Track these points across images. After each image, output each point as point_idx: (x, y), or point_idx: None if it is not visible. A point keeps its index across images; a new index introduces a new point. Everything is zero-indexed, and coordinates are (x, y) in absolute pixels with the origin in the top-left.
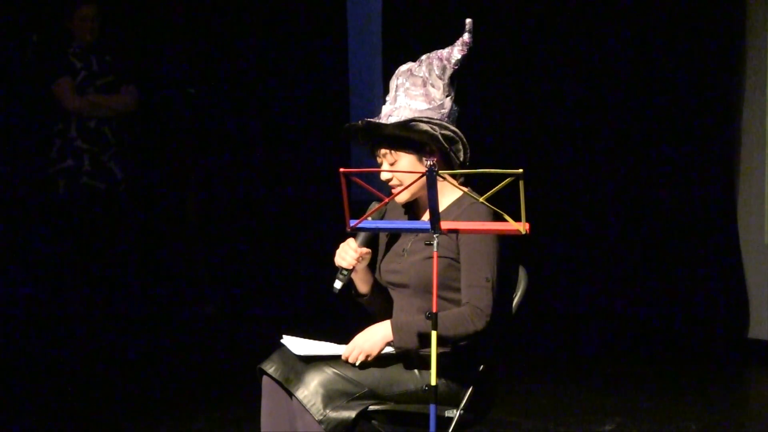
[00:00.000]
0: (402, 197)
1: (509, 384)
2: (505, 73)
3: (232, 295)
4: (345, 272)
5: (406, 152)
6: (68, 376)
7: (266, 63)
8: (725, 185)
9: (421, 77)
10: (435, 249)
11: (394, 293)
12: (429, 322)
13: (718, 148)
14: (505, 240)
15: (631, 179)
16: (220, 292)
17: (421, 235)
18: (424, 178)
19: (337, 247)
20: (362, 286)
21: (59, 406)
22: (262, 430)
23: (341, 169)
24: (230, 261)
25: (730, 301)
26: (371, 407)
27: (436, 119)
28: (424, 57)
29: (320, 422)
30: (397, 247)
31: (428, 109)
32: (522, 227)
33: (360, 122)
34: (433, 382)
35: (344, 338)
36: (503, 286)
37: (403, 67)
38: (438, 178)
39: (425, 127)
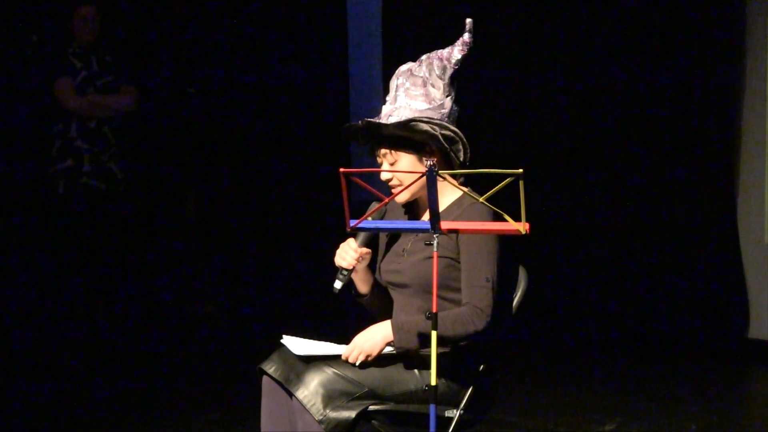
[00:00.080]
0: (402, 197)
1: (509, 384)
2: (505, 73)
3: (232, 295)
4: (345, 272)
5: (406, 152)
6: (68, 375)
7: (266, 63)
8: (725, 185)
9: (422, 77)
10: (435, 249)
11: (394, 293)
12: (429, 322)
13: (718, 148)
14: (505, 240)
15: (631, 179)
16: (220, 292)
17: (421, 235)
18: (424, 178)
19: (337, 247)
20: (362, 286)
21: (59, 406)
22: (262, 430)
23: (341, 169)
24: (230, 261)
25: (730, 301)
26: (371, 407)
27: (437, 119)
28: (424, 57)
29: (320, 422)
30: (397, 247)
31: (428, 109)
32: (522, 227)
33: (360, 122)
34: (433, 382)
35: (344, 338)
36: (503, 286)
37: (404, 67)
38: (438, 178)
39: (425, 127)
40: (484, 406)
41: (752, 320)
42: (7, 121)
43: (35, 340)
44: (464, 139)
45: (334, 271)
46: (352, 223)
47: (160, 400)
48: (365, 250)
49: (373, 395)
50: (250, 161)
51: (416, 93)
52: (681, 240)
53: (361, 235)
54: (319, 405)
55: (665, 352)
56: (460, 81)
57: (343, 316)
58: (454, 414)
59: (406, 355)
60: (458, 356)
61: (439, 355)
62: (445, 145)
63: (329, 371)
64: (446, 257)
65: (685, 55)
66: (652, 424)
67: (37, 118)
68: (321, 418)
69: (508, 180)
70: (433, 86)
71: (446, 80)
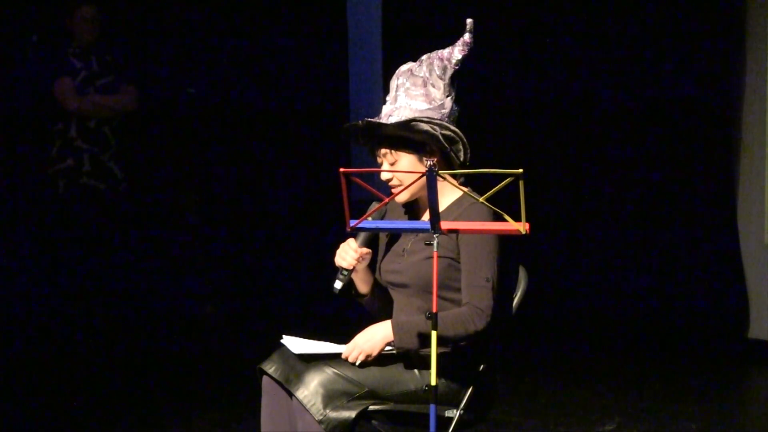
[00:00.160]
0: (402, 197)
1: (509, 384)
2: (505, 73)
3: (232, 295)
4: (345, 272)
5: (406, 152)
6: (68, 375)
7: (266, 63)
8: (725, 185)
9: (422, 77)
10: (435, 249)
11: (394, 293)
12: (429, 322)
13: (718, 148)
14: (505, 240)
15: (631, 179)
16: (220, 292)
17: (421, 235)
18: (424, 178)
19: (337, 247)
20: (362, 286)
21: (59, 406)
22: (262, 430)
23: (341, 169)
24: (230, 261)
25: (730, 301)
26: (371, 407)
27: (437, 119)
28: (424, 57)
29: (320, 422)
30: (397, 247)
31: (429, 109)
32: (522, 227)
33: (360, 122)
34: (433, 382)
35: (344, 338)
36: (503, 286)
37: (404, 67)
38: (438, 178)
39: (425, 127)
40: (484, 406)
41: (752, 320)
42: (7, 121)
43: (35, 339)
44: (464, 139)
45: (334, 271)
46: (352, 223)
47: (160, 400)
48: (365, 250)
49: (373, 395)
50: (250, 161)
51: (416, 93)
52: (681, 240)
53: (361, 235)
54: (319, 405)
55: (665, 352)
56: (460, 81)
57: (343, 316)
58: (454, 414)
59: (406, 355)
60: (458, 356)
61: (439, 355)
62: (446, 145)
63: (329, 371)
64: (446, 257)
65: (685, 55)
66: (652, 424)
67: (37, 118)
68: (321, 418)
69: (508, 180)
70: (434, 86)
71: (447, 80)
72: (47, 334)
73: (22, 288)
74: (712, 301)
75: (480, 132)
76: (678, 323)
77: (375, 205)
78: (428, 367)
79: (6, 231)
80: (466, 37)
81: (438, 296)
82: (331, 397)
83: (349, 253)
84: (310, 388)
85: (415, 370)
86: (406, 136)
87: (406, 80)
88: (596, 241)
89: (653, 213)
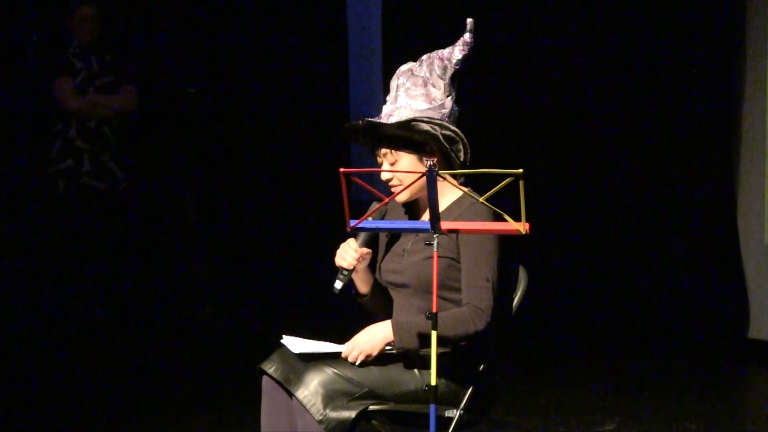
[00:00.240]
0: (402, 197)
1: (509, 384)
2: (505, 73)
3: (232, 295)
4: (345, 272)
5: (406, 152)
6: (68, 375)
7: (266, 63)
8: (725, 185)
9: (422, 77)
10: (435, 249)
11: (394, 293)
12: (429, 322)
13: (718, 148)
14: (505, 240)
15: (631, 179)
16: (220, 292)
17: (421, 235)
18: (424, 178)
19: (337, 247)
20: (362, 286)
21: (59, 406)
22: (262, 430)
23: (341, 169)
24: (230, 261)
25: (730, 301)
26: (371, 407)
27: (437, 119)
28: (425, 57)
29: (320, 422)
30: (397, 247)
31: (429, 109)
32: (522, 227)
33: (360, 122)
34: (433, 382)
35: (344, 338)
36: (503, 286)
37: (404, 67)
38: (438, 178)
39: (426, 127)
40: (484, 406)
41: (752, 320)
42: (7, 121)
43: (35, 339)
44: (464, 139)
45: (335, 271)
46: (352, 223)
47: (160, 400)
48: (365, 250)
49: (373, 395)
50: (250, 161)
51: (417, 93)
52: (681, 240)
53: (362, 235)
54: (319, 405)
55: (665, 352)
56: (460, 81)
57: (343, 316)
58: (454, 414)
59: (406, 355)
60: (458, 356)
61: (439, 355)
62: (446, 145)
63: (329, 371)
64: (446, 257)
65: (685, 54)
66: (652, 424)
67: (37, 118)
68: (321, 418)
69: (508, 180)
70: (434, 86)
71: (447, 80)
72: (47, 334)
73: (22, 288)
74: (712, 301)
75: (480, 132)
76: (678, 323)
77: (375, 205)
78: (428, 367)
79: (6, 231)
80: (467, 36)
81: (438, 296)
82: (331, 397)
83: (349, 253)
84: (310, 388)
85: (415, 370)
86: (407, 136)
87: (407, 80)
88: (596, 241)
89: (653, 213)
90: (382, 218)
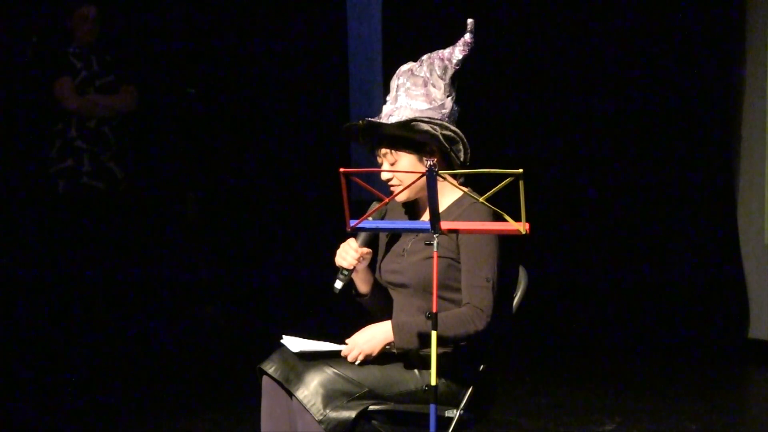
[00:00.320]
0: (402, 197)
1: (509, 384)
2: (505, 73)
3: (232, 295)
4: (345, 272)
5: (406, 152)
6: (68, 375)
7: (266, 63)
8: (725, 185)
9: (422, 77)
10: (435, 249)
11: (394, 293)
12: (429, 323)
13: (718, 148)
14: (505, 240)
15: (631, 179)
16: (220, 292)
17: (421, 235)
18: (424, 178)
19: (337, 247)
20: (362, 286)
21: (59, 406)
22: (262, 430)
23: (341, 169)
24: (230, 261)
25: (730, 301)
26: (371, 407)
27: (437, 119)
28: (425, 57)
29: (320, 422)
30: (397, 247)
31: (429, 109)
32: (522, 227)
33: (360, 122)
34: (433, 382)
35: (344, 338)
36: (503, 286)
37: (404, 67)
38: (438, 178)
39: (426, 127)
40: (484, 406)
41: (752, 320)
42: (7, 121)
43: (35, 339)
44: (465, 140)
45: (335, 271)
46: (352, 223)
47: (161, 400)
48: (366, 250)
49: (373, 395)
50: (249, 161)
51: (417, 93)
52: (681, 240)
53: (362, 235)
54: (319, 405)
55: (665, 352)
56: (461, 81)
57: (343, 316)
58: (454, 414)
59: (406, 355)
60: (458, 356)
61: (439, 355)
62: (446, 145)
63: (329, 371)
64: (446, 257)
65: (686, 54)
66: (652, 424)
67: (37, 118)
68: (321, 418)
69: (508, 180)
70: (434, 86)
71: (447, 80)
72: (47, 333)
73: (22, 288)
74: (712, 301)
75: (480, 132)
76: (678, 323)
77: (375, 205)
78: (428, 367)
79: (6, 231)
80: (467, 37)
81: (438, 296)
82: (331, 397)
83: (349, 253)
84: (310, 388)
85: (415, 370)
86: (407, 136)
87: (407, 80)
88: (596, 241)
89: (653, 213)
90: (382, 218)
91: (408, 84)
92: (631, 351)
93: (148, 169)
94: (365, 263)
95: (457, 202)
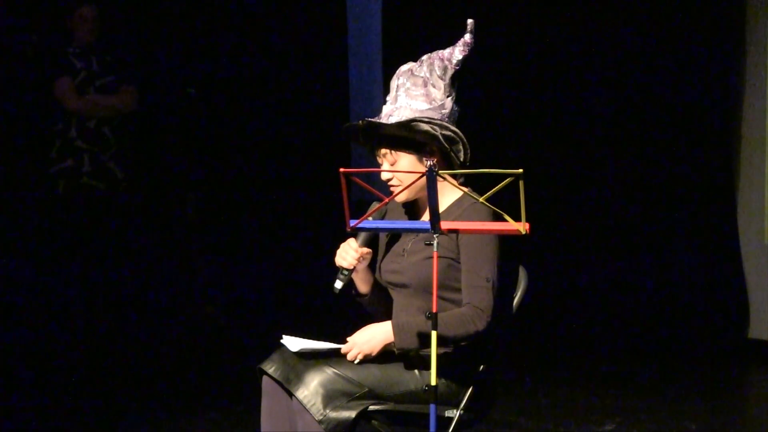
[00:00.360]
0: (401, 197)
1: (509, 384)
2: (505, 73)
3: (232, 295)
4: (345, 272)
5: (406, 152)
6: (68, 375)
7: (266, 63)
8: (725, 185)
9: (422, 77)
10: (435, 249)
11: (394, 293)
12: (430, 323)
13: (718, 148)
14: (505, 240)
15: (631, 179)
16: (220, 292)
17: (421, 235)
18: (424, 178)
19: (337, 247)
20: (362, 286)
21: (59, 406)
22: (262, 430)
23: (341, 169)
24: (230, 261)
25: (730, 301)
26: (371, 407)
27: (437, 119)
28: (425, 57)
29: (320, 422)
30: (397, 247)
31: (429, 109)
32: (522, 227)
33: (360, 122)
34: (433, 382)
35: (344, 338)
36: (503, 286)
37: (404, 67)
38: (438, 178)
39: (426, 127)
40: (484, 406)
41: (752, 320)
42: (7, 121)
43: (35, 339)
44: (464, 140)
45: (335, 271)
46: (352, 223)
47: (161, 400)
48: (366, 250)
49: (373, 395)
50: (250, 161)
51: (417, 93)
52: (681, 240)
53: (362, 235)
54: (319, 405)
55: (665, 352)
56: (461, 81)
57: (343, 316)
58: (454, 414)
59: (407, 356)
60: (458, 356)
61: (439, 355)
62: (446, 145)
63: (329, 371)
64: (446, 257)
65: (685, 55)
66: (652, 424)
67: (37, 118)
68: (321, 418)
69: (508, 180)
70: (434, 86)
71: (447, 80)
72: (47, 334)
73: (22, 288)
74: (712, 301)
75: (480, 132)
76: (678, 323)
77: (375, 205)
78: (428, 367)
79: (6, 231)
80: (467, 37)
81: (438, 296)
82: (331, 397)
83: (349, 253)
84: (310, 388)
85: (415, 370)
86: (406, 137)
87: (407, 80)
88: (596, 241)
89: (653, 212)
90: (382, 218)
91: (408, 84)
92: (631, 351)
93: (148, 169)
94: (365, 263)
95: (457, 202)
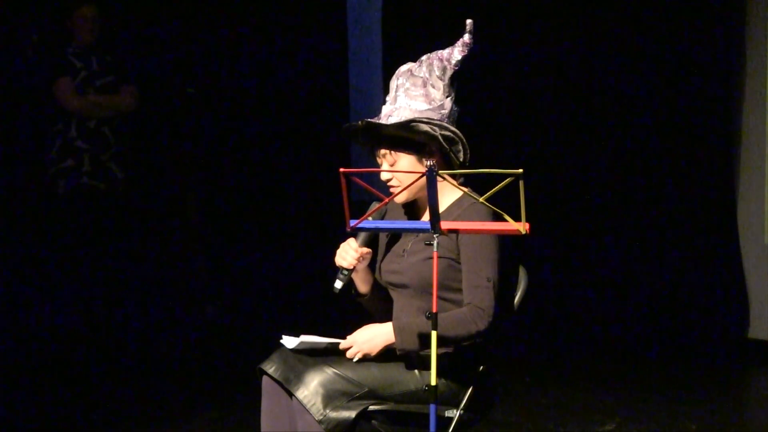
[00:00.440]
0: (401, 198)
1: (509, 384)
2: (505, 73)
3: (233, 295)
4: (345, 272)
5: (405, 153)
6: (68, 375)
7: (266, 63)
8: (725, 185)
9: (422, 78)
10: (435, 249)
11: (394, 293)
12: (431, 323)
13: (718, 148)
14: (505, 240)
15: (631, 179)
16: (220, 293)
17: (421, 235)
18: (424, 178)
19: (337, 247)
20: (362, 285)
21: (59, 406)
22: (262, 430)
23: (341, 169)
24: (230, 261)
25: (730, 301)
26: (371, 407)
27: (436, 120)
28: (424, 57)
29: (320, 422)
30: (397, 247)
31: (428, 109)
32: (522, 227)
33: (360, 122)
34: (433, 382)
35: (344, 338)
36: (504, 286)
37: (404, 68)
38: (438, 178)
39: (425, 127)
40: (484, 406)
41: (752, 320)
42: (7, 121)
43: (35, 339)
44: (464, 140)
45: (335, 271)
46: (352, 223)
47: (161, 400)
48: (366, 249)
49: (373, 395)
50: (250, 161)
51: (416, 93)
52: (681, 240)
53: (362, 235)
54: (319, 405)
55: (665, 352)
56: (460, 81)
57: (343, 316)
58: (454, 414)
59: (407, 356)
60: (458, 356)
61: (439, 356)
62: (445, 145)
63: (329, 371)
64: (446, 258)
65: (686, 55)
66: (652, 424)
67: (37, 118)
68: (321, 418)
69: (508, 180)
70: (433, 87)
71: (446, 81)
72: (47, 334)
73: (21, 288)
74: (712, 301)
75: (480, 132)
76: (678, 323)
77: (375, 205)
78: (428, 367)
79: (6, 231)
80: (466, 37)
81: (438, 297)
82: (331, 397)
83: (349, 253)
84: (310, 388)
85: (415, 370)
86: (406, 137)
87: (406, 80)
88: (596, 241)
89: (653, 213)
90: (382, 218)
91: (407, 84)
92: (631, 351)
93: (148, 169)
94: (365, 263)
95: (457, 203)
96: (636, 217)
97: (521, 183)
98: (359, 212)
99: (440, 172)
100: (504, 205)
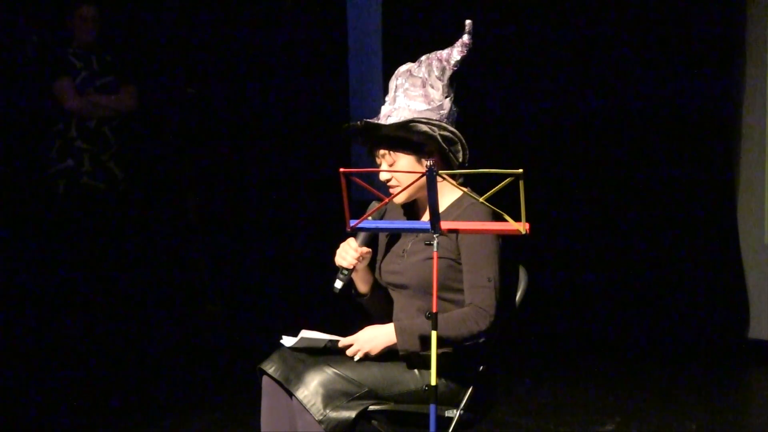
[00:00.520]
0: (400, 198)
1: (509, 384)
2: (504, 73)
3: (233, 295)
4: (345, 272)
5: (404, 153)
6: (68, 375)
7: (266, 63)
8: (725, 185)
9: (421, 78)
10: (435, 249)
11: (394, 294)
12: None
13: (718, 148)
14: (505, 240)
15: (630, 179)
16: (220, 292)
17: (421, 235)
18: (424, 178)
19: (337, 247)
20: (362, 285)
21: (59, 405)
22: (262, 430)
23: (341, 169)
24: (231, 261)
25: (730, 301)
26: (371, 407)
27: (435, 120)
28: (423, 58)
29: (320, 422)
30: (397, 247)
31: (427, 109)
32: (522, 227)
33: (359, 123)
34: (433, 382)
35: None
36: (505, 285)
37: (403, 68)
38: (438, 178)
39: (424, 128)
40: (484, 406)
41: (752, 320)
42: (7, 121)
43: (35, 339)
44: (463, 140)
45: (335, 270)
46: (352, 223)
47: (161, 400)
48: (366, 249)
49: (373, 395)
50: (249, 161)
51: (415, 94)
52: (681, 240)
53: (362, 235)
54: (319, 405)
55: (665, 352)
56: (459, 82)
57: (343, 316)
58: (454, 414)
59: (408, 356)
60: (458, 356)
61: (439, 356)
62: (444, 146)
63: (329, 371)
64: (446, 258)
65: (686, 54)
66: (652, 424)
67: (37, 118)
68: (321, 418)
69: (508, 180)
70: (432, 87)
71: (445, 81)
72: (47, 333)
73: (22, 287)
74: (712, 301)
75: (480, 132)
76: (678, 323)
77: (375, 205)
78: (428, 367)
79: (6, 231)
80: (465, 38)
81: (438, 297)
82: (331, 397)
83: (349, 253)
84: (310, 388)
85: (415, 370)
86: (405, 137)
87: (405, 81)
88: (596, 241)
89: (653, 213)
90: (382, 218)
91: (406, 85)
92: (631, 351)
93: (148, 169)
94: (365, 263)
95: (457, 203)
96: (636, 217)
97: (521, 183)
98: (359, 212)
99: (440, 172)
100: (504, 205)
